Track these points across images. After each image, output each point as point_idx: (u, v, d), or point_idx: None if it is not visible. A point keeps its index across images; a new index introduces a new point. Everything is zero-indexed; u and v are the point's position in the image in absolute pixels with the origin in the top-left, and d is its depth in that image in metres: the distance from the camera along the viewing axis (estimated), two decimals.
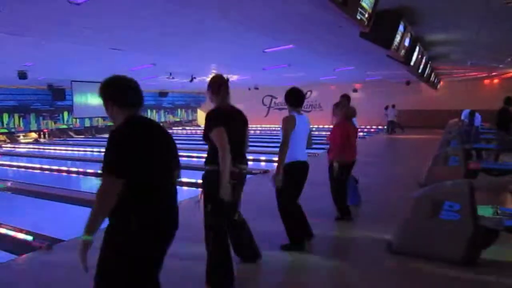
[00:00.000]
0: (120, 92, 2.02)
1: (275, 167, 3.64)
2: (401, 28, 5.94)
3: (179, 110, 27.08)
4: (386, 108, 18.30)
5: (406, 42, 6.81)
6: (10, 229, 4.65)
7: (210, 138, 2.91)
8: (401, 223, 3.70)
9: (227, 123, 2.90)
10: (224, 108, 3.02)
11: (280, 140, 3.66)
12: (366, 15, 4.30)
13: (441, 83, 19.76)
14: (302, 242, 3.75)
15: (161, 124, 2.22)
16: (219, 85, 3.02)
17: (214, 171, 2.88)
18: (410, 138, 15.74)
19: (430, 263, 3.32)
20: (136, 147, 1.89)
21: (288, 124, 3.63)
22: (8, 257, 3.83)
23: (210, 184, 2.92)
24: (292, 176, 3.64)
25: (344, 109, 4.88)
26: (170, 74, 14.18)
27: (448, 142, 8.14)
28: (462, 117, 12.19)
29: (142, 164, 1.90)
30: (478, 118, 11.48)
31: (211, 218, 2.99)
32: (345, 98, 5.96)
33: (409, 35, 6.74)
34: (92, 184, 8.40)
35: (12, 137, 18.01)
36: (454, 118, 15.64)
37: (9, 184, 7.90)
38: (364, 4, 4.11)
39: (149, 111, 24.73)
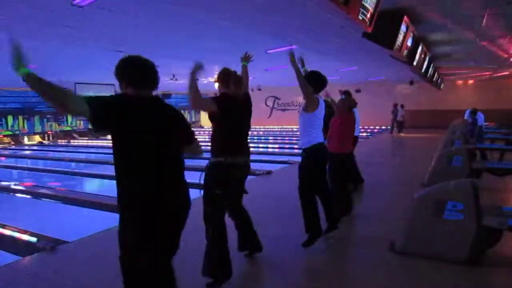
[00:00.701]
0: (134, 72, 2.01)
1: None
2: (403, 28, 5.94)
3: (182, 112, 27.09)
4: (395, 106, 18.16)
5: (409, 42, 6.80)
6: (15, 231, 4.67)
7: (214, 121, 2.98)
8: (405, 223, 3.69)
9: (228, 107, 2.96)
10: (230, 94, 3.04)
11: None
12: (368, 15, 4.30)
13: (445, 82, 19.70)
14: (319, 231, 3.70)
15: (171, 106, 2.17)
16: (227, 77, 3.11)
17: (219, 163, 2.93)
18: (414, 138, 15.69)
19: (433, 263, 3.31)
20: (125, 115, 1.88)
21: (313, 103, 3.63)
22: (12, 258, 3.85)
23: (213, 175, 2.97)
24: (312, 159, 3.65)
25: (346, 101, 4.83)
26: (173, 75, 14.21)
27: (451, 141, 8.11)
28: (465, 116, 12.06)
29: (130, 133, 1.90)
30: (481, 117, 11.37)
31: (210, 208, 3.00)
32: (347, 93, 5.99)
33: (411, 34, 6.73)
34: (96, 186, 8.43)
35: (16, 139, 18.11)
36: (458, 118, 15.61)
37: (13, 185, 7.95)
38: (366, 4, 4.11)
39: None
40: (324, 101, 3.97)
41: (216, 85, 3.18)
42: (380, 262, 3.46)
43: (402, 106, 17.77)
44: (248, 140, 3.18)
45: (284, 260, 3.62)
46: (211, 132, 3.11)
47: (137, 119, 1.92)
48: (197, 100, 2.87)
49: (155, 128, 1.97)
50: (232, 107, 2.98)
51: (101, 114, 1.84)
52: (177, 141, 2.12)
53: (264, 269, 3.46)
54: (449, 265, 3.26)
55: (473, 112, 11.21)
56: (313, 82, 3.69)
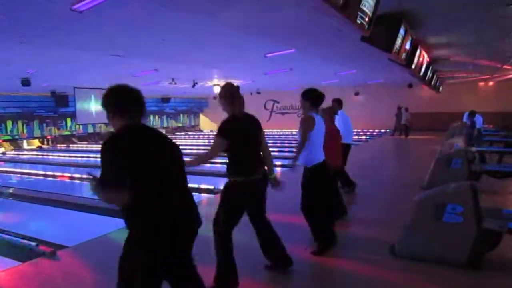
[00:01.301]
0: (120, 101, 2.05)
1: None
2: (401, 31, 5.95)
3: (181, 116, 27.13)
4: (399, 109, 18.12)
5: (407, 45, 6.82)
6: (14, 236, 4.66)
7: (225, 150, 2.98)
8: (404, 226, 3.69)
9: (235, 131, 2.96)
10: (237, 118, 3.03)
11: (298, 141, 3.72)
12: (367, 19, 4.31)
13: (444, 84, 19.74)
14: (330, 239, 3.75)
15: (162, 130, 2.24)
16: (232, 96, 3.04)
17: (234, 183, 2.98)
18: (413, 141, 15.70)
19: (433, 266, 3.31)
20: (128, 153, 1.90)
21: (308, 125, 3.66)
22: (12, 263, 3.84)
23: (228, 194, 3.02)
24: (316, 178, 3.72)
25: (327, 111, 4.82)
26: (173, 79, 14.24)
27: (450, 144, 8.12)
28: (464, 119, 12.02)
29: (137, 168, 1.91)
30: (479, 119, 11.36)
31: (222, 225, 3.02)
32: (337, 103, 6.22)
33: (410, 38, 6.75)
34: None
35: (15, 143, 18.09)
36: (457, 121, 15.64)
37: (12, 190, 7.94)
38: (364, 8, 4.12)
39: (151, 116, 24.80)
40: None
41: (219, 98, 3.13)
42: (380, 265, 3.46)
43: (406, 109, 17.63)
44: (260, 155, 3.17)
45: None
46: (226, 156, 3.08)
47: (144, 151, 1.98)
48: (212, 155, 2.99)
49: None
50: (238, 131, 2.98)
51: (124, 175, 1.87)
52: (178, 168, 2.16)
53: (261, 273, 3.46)
54: (449, 268, 3.26)
55: (471, 114, 11.21)
56: (315, 96, 3.82)
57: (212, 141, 3.09)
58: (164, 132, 22.28)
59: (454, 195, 3.44)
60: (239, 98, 3.07)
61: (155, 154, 2.01)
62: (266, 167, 3.18)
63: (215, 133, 3.05)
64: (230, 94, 3.05)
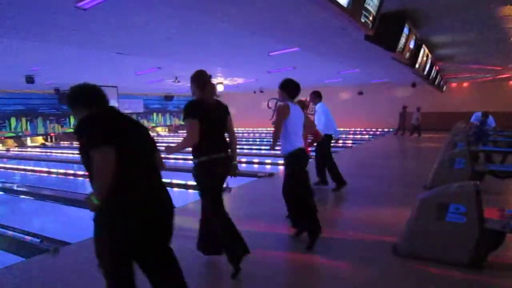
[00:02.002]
0: (81, 95, 2.24)
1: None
2: (405, 30, 5.94)
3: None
4: (404, 108, 18.02)
5: (411, 44, 6.80)
6: (18, 232, 4.69)
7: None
8: (407, 225, 3.69)
9: (204, 114, 3.08)
10: (205, 101, 3.16)
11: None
12: (371, 18, 4.31)
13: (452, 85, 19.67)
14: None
15: (165, 128, 2.33)
16: (204, 82, 3.19)
17: (201, 162, 3.12)
18: (417, 140, 15.66)
19: (436, 266, 3.31)
20: (106, 126, 2.03)
21: (283, 113, 3.82)
22: (15, 259, 3.87)
23: (199, 174, 3.16)
24: (296, 163, 3.88)
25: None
26: (176, 78, 14.25)
27: (454, 144, 8.09)
28: (473, 119, 11.78)
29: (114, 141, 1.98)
30: (491, 120, 11.25)
31: (206, 203, 3.26)
32: (315, 95, 6.37)
33: (414, 37, 6.74)
34: None
35: (19, 140, 18.18)
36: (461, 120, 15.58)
37: (16, 187, 7.98)
38: (368, 7, 4.12)
39: (154, 114, 24.85)
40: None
41: (190, 82, 3.28)
42: (382, 265, 3.46)
43: (418, 109, 17.37)
44: (224, 138, 3.30)
45: (282, 259, 3.63)
46: None
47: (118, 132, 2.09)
48: (190, 140, 3.07)
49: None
50: (204, 113, 3.10)
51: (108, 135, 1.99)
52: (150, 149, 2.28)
53: (262, 267, 3.46)
54: (452, 268, 3.25)
55: (485, 115, 11.04)
56: (291, 87, 3.98)
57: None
58: (167, 130, 22.21)
59: (457, 195, 3.43)
60: (210, 85, 3.21)
61: (127, 132, 2.13)
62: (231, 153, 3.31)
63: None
64: (201, 79, 3.20)
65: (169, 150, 3.15)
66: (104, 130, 2.00)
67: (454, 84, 19.82)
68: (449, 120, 16.91)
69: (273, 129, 4.04)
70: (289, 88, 3.97)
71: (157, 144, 2.41)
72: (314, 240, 3.82)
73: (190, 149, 3.17)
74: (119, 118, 2.19)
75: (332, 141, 6.53)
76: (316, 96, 6.43)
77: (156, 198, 2.17)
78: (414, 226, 3.62)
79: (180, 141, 3.20)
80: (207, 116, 3.09)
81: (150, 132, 2.34)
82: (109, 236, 2.05)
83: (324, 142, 6.18)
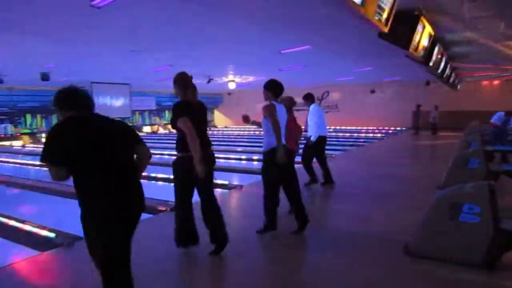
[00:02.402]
0: (65, 99, 2.38)
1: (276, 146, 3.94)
2: (419, 28, 5.87)
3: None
4: (418, 107, 17.76)
5: (425, 42, 6.72)
6: (34, 226, 4.78)
7: (178, 127, 3.39)
8: (420, 225, 3.66)
9: (191, 114, 3.37)
10: (189, 101, 3.49)
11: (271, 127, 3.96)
12: (385, 15, 4.27)
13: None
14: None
15: (111, 118, 2.43)
16: (186, 84, 3.50)
17: (184, 157, 3.39)
18: (431, 139, 15.48)
19: (448, 266, 3.28)
20: (68, 138, 2.17)
21: (272, 111, 3.97)
22: (32, 253, 3.95)
23: (179, 169, 3.48)
24: (273, 162, 3.97)
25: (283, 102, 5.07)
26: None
27: (468, 143, 7.98)
28: (494, 119, 11.42)
29: (79, 152, 2.17)
30: None
31: (176, 192, 3.58)
32: (306, 98, 6.56)
33: (428, 34, 6.66)
34: None
35: (34, 137, 18.48)
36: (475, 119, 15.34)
37: (32, 182, 8.12)
38: (382, 5, 4.08)
39: (166, 112, 25.01)
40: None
41: (173, 84, 3.55)
42: (394, 264, 3.44)
43: (436, 108, 17.20)
44: (207, 136, 3.63)
45: (292, 256, 3.64)
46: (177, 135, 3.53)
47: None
48: (193, 139, 3.30)
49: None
50: (191, 113, 3.39)
51: (59, 154, 2.18)
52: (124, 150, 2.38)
53: (271, 265, 3.48)
54: (465, 268, 3.22)
55: (507, 115, 10.78)
56: (276, 87, 4.16)
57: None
58: (148, 130, 21.96)
59: (471, 195, 3.39)
60: (192, 86, 3.53)
61: (96, 138, 2.25)
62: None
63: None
64: (183, 81, 3.50)
65: (198, 165, 3.30)
66: (60, 145, 2.16)
67: (469, 83, 19.50)
68: (463, 119, 16.66)
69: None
70: (273, 88, 4.14)
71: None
72: (302, 227, 4.14)
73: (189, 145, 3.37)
74: (92, 124, 2.30)
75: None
76: (308, 98, 6.61)
77: (128, 199, 2.32)
78: (426, 225, 3.60)
79: (191, 145, 3.32)
80: (193, 116, 3.38)
81: (127, 130, 2.43)
82: (100, 239, 2.26)
83: (316, 144, 6.43)
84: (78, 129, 2.23)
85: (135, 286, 2.39)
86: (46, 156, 2.16)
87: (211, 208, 3.63)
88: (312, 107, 6.54)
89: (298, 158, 5.61)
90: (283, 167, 4.02)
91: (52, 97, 2.42)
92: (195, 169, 3.29)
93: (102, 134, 2.29)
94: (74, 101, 2.36)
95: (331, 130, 21.52)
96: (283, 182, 4.21)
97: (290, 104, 5.33)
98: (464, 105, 19.03)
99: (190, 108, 3.42)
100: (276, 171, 4.01)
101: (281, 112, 4.09)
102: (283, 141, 4.01)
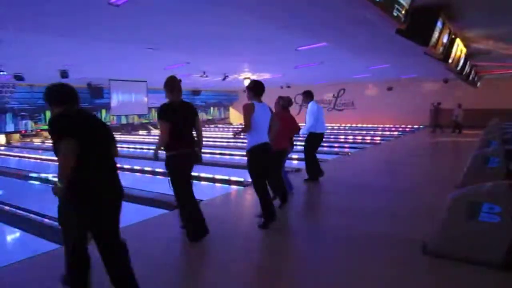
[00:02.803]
0: (54, 94, 2.70)
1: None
2: (439, 24, 5.76)
3: (211, 109, 27.43)
4: (438, 104, 17.40)
5: (445, 39, 6.60)
6: (54, 220, 4.89)
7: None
8: (438, 224, 3.61)
9: (171, 116, 3.71)
10: (173, 103, 3.80)
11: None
12: (403, 12, 4.21)
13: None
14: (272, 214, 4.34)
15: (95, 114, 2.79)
16: (172, 87, 3.81)
17: (171, 156, 3.76)
18: (449, 137, 15.21)
19: (467, 267, 3.23)
20: (68, 125, 2.50)
21: (248, 110, 4.20)
22: (51, 246, 4.04)
23: (169, 166, 3.79)
24: (257, 159, 4.27)
25: (280, 101, 5.50)
26: (204, 72, 14.39)
27: (488, 142, 7.82)
28: None
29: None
30: None
31: (174, 190, 3.87)
32: (304, 94, 6.80)
33: (447, 31, 6.53)
34: (128, 179, 8.68)
35: None
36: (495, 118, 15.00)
37: (52, 177, 8.30)
38: (400, 1, 4.02)
39: None
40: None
41: (163, 87, 3.89)
42: (412, 264, 3.40)
43: (459, 106, 16.68)
44: (191, 135, 3.91)
45: (310, 253, 3.64)
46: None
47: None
48: (162, 140, 3.74)
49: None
50: (173, 114, 3.73)
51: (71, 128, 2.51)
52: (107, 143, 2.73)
53: (293, 263, 3.48)
54: (483, 269, 3.16)
55: None
56: (256, 87, 4.34)
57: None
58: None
59: (491, 194, 3.33)
60: (178, 89, 3.83)
61: (87, 131, 2.57)
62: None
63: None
64: (170, 84, 3.82)
65: (154, 154, 3.93)
66: (68, 126, 2.48)
67: (489, 80, 19.06)
68: (483, 117, 16.29)
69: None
70: (255, 88, 4.33)
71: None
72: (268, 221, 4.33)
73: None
74: (82, 117, 2.66)
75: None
76: (307, 96, 6.79)
77: (109, 181, 2.63)
78: (445, 225, 3.54)
79: (158, 143, 3.83)
80: (175, 116, 3.72)
81: (107, 128, 2.81)
82: (77, 214, 2.58)
83: (311, 140, 6.69)
84: (77, 117, 2.62)
85: None
86: (62, 130, 2.49)
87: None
88: (310, 104, 6.70)
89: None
90: (264, 161, 4.34)
91: (44, 92, 2.72)
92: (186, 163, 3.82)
93: (94, 126, 2.69)
94: (61, 96, 2.68)
95: (347, 127, 21.36)
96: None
97: (288, 104, 5.55)
98: (484, 103, 18.61)
99: (170, 111, 3.75)
100: (260, 167, 4.33)
101: (262, 112, 4.29)
102: (265, 139, 4.29)
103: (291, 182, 5.86)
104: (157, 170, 8.39)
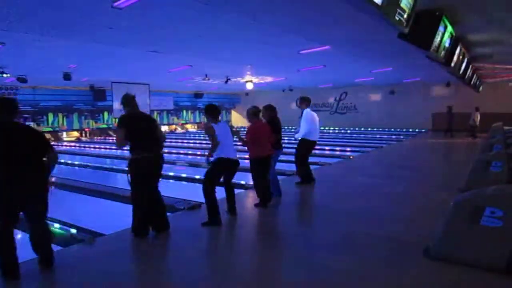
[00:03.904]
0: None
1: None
2: (441, 28, 5.77)
3: None
4: (450, 108, 17.00)
5: (447, 43, 6.60)
6: (56, 222, 4.90)
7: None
8: (440, 228, 3.60)
9: (131, 124, 4.17)
10: (130, 114, 4.28)
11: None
12: (405, 16, 4.22)
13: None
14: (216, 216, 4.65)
15: (194, 125, 2.85)
16: (128, 101, 4.30)
17: (133, 159, 4.14)
18: (452, 141, 15.18)
19: (470, 271, 3.21)
20: None
21: (210, 131, 4.70)
22: (53, 248, 4.03)
23: (130, 168, 4.20)
24: (218, 166, 4.78)
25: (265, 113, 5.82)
26: (206, 75, 14.42)
27: (490, 146, 7.81)
28: None
29: None
30: None
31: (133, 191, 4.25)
32: (302, 100, 7.04)
33: (449, 35, 6.53)
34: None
35: (56, 135, 18.92)
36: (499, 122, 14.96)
37: (54, 179, 8.31)
38: (402, 5, 4.03)
39: (184, 112, 25.26)
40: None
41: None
42: (414, 267, 3.39)
43: (477, 109, 16.11)
44: (153, 141, 4.27)
45: (310, 257, 3.63)
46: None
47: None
48: (117, 144, 4.23)
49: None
50: (130, 122, 4.18)
51: None
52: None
53: (286, 267, 3.48)
54: (486, 273, 3.15)
55: None
56: (212, 111, 4.85)
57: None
58: (196, 127, 22.55)
59: (494, 199, 3.32)
60: (134, 102, 4.31)
61: (6, 141, 3.16)
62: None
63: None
64: (126, 100, 4.30)
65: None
66: None
67: (492, 84, 19.03)
68: (485, 121, 16.21)
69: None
70: (210, 112, 4.85)
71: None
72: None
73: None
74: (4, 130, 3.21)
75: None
76: (303, 101, 6.96)
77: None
78: (447, 229, 3.53)
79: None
80: (133, 125, 4.16)
81: (37, 137, 3.43)
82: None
83: (303, 146, 6.77)
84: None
85: None
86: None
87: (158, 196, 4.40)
88: (305, 112, 6.81)
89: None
90: (227, 171, 4.91)
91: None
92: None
93: (18, 140, 3.26)
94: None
95: (349, 131, 21.34)
96: (225, 181, 5.02)
97: (270, 115, 5.82)
98: (487, 107, 18.56)
99: (125, 121, 4.19)
100: (217, 174, 4.81)
101: (223, 129, 4.81)
102: (230, 153, 4.80)
103: (280, 188, 6.00)
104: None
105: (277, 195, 5.85)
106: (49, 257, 3.44)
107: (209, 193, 4.65)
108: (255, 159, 5.41)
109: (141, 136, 4.17)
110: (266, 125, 5.60)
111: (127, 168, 4.25)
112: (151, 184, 4.30)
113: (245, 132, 5.57)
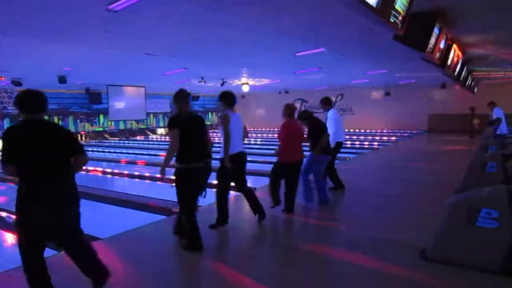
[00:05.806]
0: (19, 102, 2.79)
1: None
2: (436, 30, 5.80)
3: (210, 114, 27.44)
4: (474, 109, 16.42)
5: (442, 44, 6.64)
6: None
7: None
8: (436, 229, 3.60)
9: (186, 126, 3.73)
10: (184, 114, 3.84)
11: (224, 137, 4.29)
12: (400, 18, 4.24)
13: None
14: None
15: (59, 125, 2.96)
16: (182, 99, 3.88)
17: (182, 168, 3.70)
18: (447, 142, 15.24)
19: (465, 272, 3.22)
20: (14, 140, 2.60)
21: (225, 121, 4.25)
22: (50, 252, 4.00)
23: (180, 178, 3.74)
24: (232, 166, 4.32)
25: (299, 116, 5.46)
26: (202, 78, 14.42)
27: (486, 147, 7.83)
28: None
29: (21, 152, 2.59)
30: None
31: (181, 202, 3.83)
32: (323, 102, 6.45)
33: (444, 37, 6.57)
34: (127, 185, 8.66)
35: None
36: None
37: None
38: (397, 7, 4.05)
39: None
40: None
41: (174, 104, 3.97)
42: (410, 269, 3.39)
43: (472, 110, 16.09)
44: (205, 148, 3.91)
45: (310, 259, 3.63)
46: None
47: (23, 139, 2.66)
48: (176, 146, 3.70)
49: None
50: (185, 125, 3.75)
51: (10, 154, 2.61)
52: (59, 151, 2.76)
53: (288, 270, 3.47)
54: (483, 275, 3.16)
55: None
56: (229, 98, 4.43)
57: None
58: (162, 131, 22.40)
59: (489, 200, 3.33)
60: (188, 102, 3.92)
61: (34, 141, 2.65)
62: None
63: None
64: (184, 97, 3.89)
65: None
66: (7, 148, 2.58)
67: (486, 86, 19.13)
68: (481, 122, 16.26)
69: None
70: (226, 99, 4.41)
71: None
72: (260, 217, 4.68)
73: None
74: (32, 129, 2.71)
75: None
76: (325, 103, 6.45)
77: (48, 197, 2.67)
78: (443, 230, 3.54)
79: None
80: (187, 128, 3.75)
81: (66, 139, 2.85)
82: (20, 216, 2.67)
83: (334, 150, 6.26)
84: (24, 132, 2.72)
85: None
86: (2, 157, 2.63)
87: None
88: (330, 113, 6.35)
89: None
90: (237, 170, 4.43)
91: (15, 98, 2.88)
92: None
93: (44, 139, 2.77)
94: (25, 104, 2.83)
95: (345, 132, 21.37)
96: (238, 183, 4.60)
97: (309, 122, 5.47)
98: (483, 108, 18.61)
99: (178, 122, 3.78)
100: (226, 174, 4.39)
101: (236, 122, 4.36)
102: (240, 148, 4.39)
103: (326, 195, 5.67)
104: (156, 176, 8.36)
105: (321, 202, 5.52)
106: (103, 278, 3.00)
107: (223, 191, 4.48)
108: (284, 164, 4.95)
109: (195, 141, 3.78)
110: (302, 127, 5.23)
111: (173, 177, 3.80)
112: (197, 196, 3.90)
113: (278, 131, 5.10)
